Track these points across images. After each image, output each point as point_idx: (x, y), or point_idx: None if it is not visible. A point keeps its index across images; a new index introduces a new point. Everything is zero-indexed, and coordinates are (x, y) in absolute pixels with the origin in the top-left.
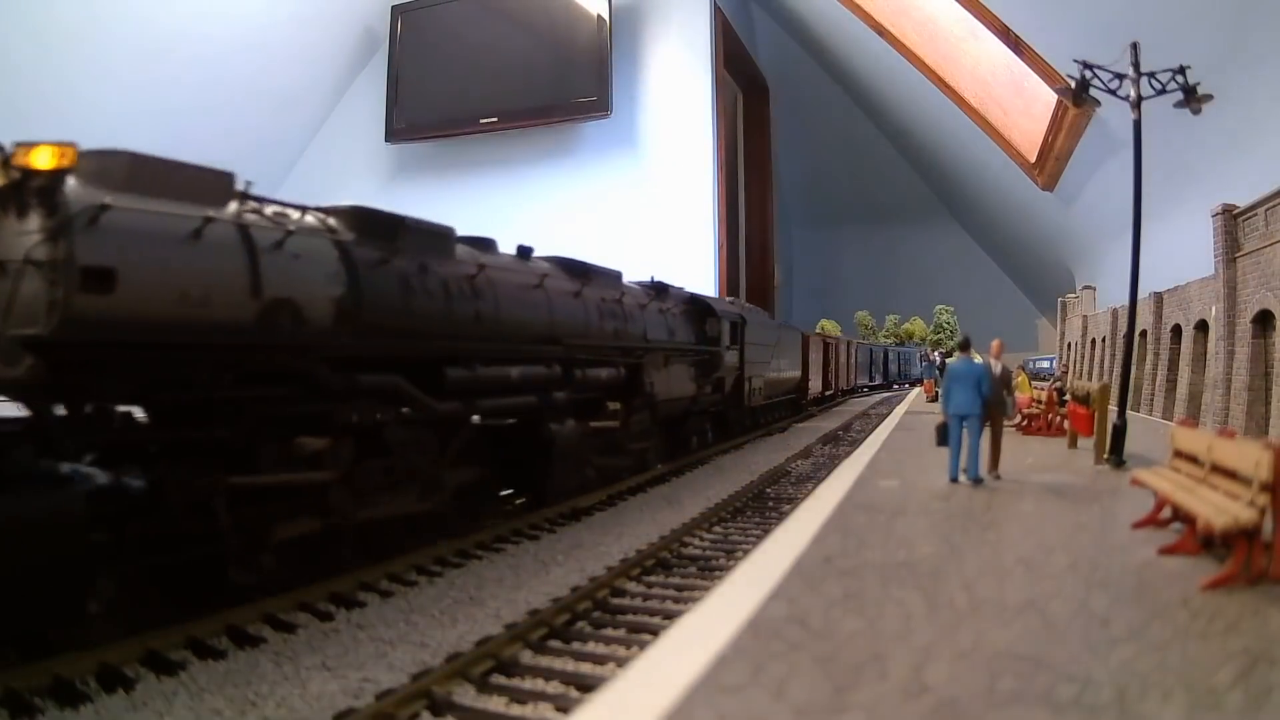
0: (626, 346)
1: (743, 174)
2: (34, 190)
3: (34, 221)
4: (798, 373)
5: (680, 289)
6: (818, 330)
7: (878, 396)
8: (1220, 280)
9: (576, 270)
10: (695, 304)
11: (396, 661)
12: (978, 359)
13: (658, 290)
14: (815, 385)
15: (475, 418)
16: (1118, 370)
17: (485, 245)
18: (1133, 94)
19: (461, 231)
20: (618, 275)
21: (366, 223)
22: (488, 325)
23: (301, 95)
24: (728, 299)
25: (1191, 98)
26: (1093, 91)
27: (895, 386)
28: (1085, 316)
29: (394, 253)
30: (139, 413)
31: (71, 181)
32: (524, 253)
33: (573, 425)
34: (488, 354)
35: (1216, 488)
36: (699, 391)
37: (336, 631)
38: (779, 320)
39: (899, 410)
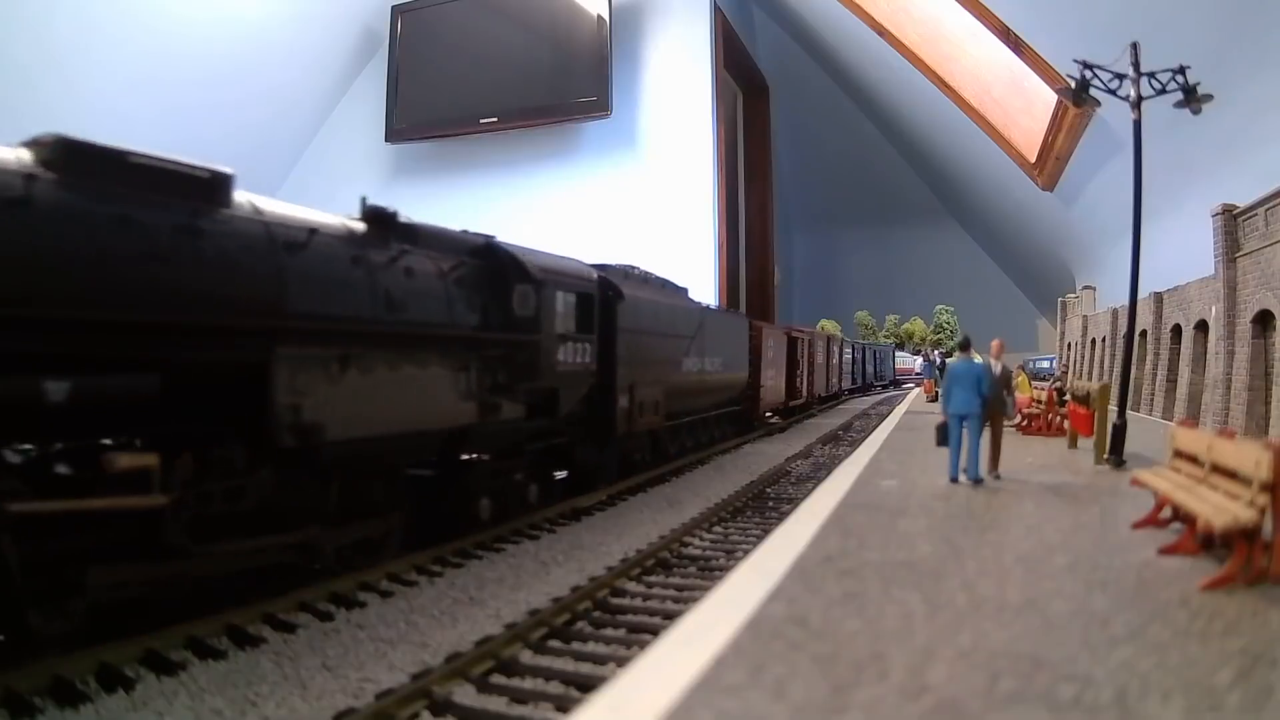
0: (188, 324)
1: (743, 174)
2: None
3: None
4: (742, 375)
5: (461, 233)
6: (818, 329)
7: (863, 404)
8: (1220, 280)
9: None
10: (490, 259)
11: (396, 661)
12: (978, 359)
13: (374, 222)
14: (773, 393)
15: None
16: (1118, 370)
17: None
18: (1133, 94)
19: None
20: (202, 180)
21: None
22: None
23: (301, 95)
24: (597, 263)
25: (1191, 98)
26: (1093, 91)
27: (874, 388)
28: (1085, 316)
29: None
30: None
31: None
32: None
33: None
34: None
35: (1216, 488)
36: (490, 415)
37: (336, 631)
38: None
39: (899, 410)
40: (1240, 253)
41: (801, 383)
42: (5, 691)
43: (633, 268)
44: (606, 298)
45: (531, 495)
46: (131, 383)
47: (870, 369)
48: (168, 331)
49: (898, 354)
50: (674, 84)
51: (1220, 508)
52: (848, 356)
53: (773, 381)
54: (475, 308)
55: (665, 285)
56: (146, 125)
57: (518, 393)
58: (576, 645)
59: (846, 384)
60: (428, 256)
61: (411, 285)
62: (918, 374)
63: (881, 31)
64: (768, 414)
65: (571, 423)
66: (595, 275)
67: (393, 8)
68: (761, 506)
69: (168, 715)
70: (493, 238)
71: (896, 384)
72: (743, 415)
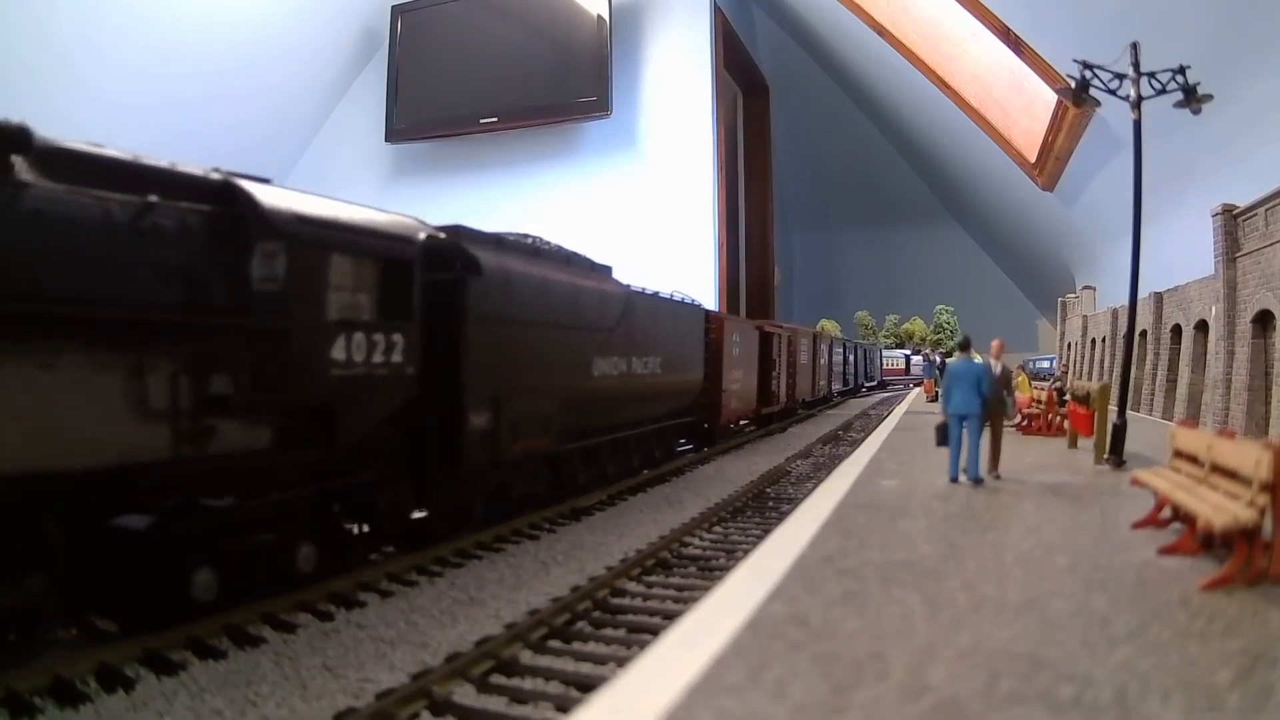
0: None
1: (743, 174)
2: None
3: None
4: (695, 377)
5: (181, 169)
6: (818, 329)
7: (861, 406)
8: (1220, 280)
9: None
10: (228, 205)
11: (396, 661)
12: (978, 359)
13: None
14: (742, 399)
15: None
16: (1118, 370)
17: None
18: (1133, 94)
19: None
20: None
21: None
22: None
23: (301, 95)
24: (451, 224)
25: (1191, 98)
26: (1093, 91)
27: (860, 390)
28: (1085, 316)
29: None
30: None
31: None
32: None
33: None
34: None
35: (1216, 488)
36: (194, 444)
37: (336, 631)
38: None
39: (899, 410)
40: (1240, 253)
41: (779, 386)
42: (5, 691)
43: (525, 236)
44: (457, 272)
45: (303, 560)
46: None
47: (862, 369)
48: None
49: (885, 353)
50: (674, 84)
51: (1220, 508)
52: (838, 356)
53: (740, 385)
54: (174, 276)
55: (572, 261)
56: (147, 120)
57: (256, 410)
58: (576, 645)
59: (837, 386)
60: (89, 196)
61: (36, 239)
62: (912, 376)
63: (881, 31)
64: (741, 422)
65: (371, 452)
66: (418, 236)
67: (393, 8)
68: (761, 506)
69: (168, 715)
70: (251, 177)
71: (884, 385)
72: (698, 427)
